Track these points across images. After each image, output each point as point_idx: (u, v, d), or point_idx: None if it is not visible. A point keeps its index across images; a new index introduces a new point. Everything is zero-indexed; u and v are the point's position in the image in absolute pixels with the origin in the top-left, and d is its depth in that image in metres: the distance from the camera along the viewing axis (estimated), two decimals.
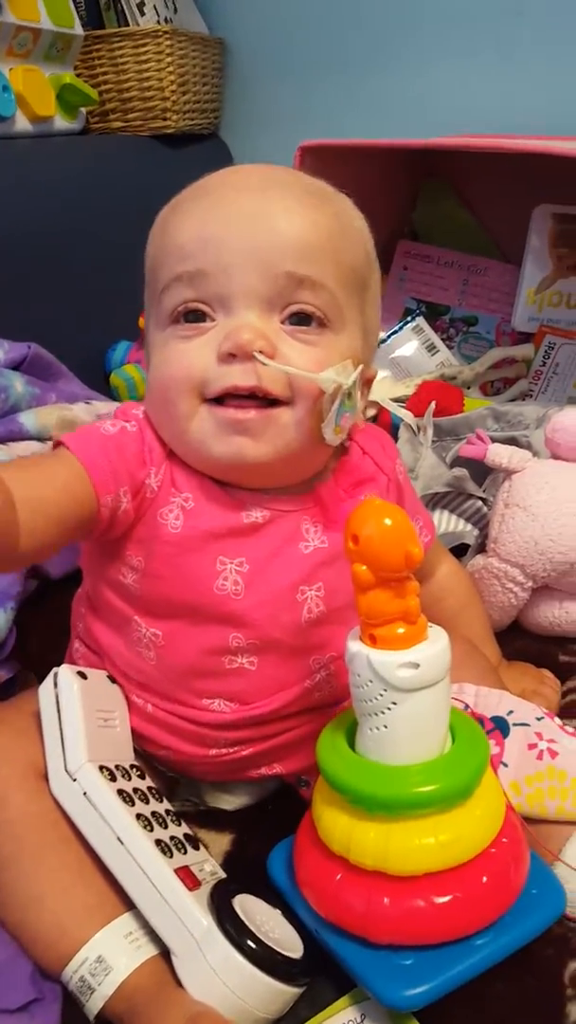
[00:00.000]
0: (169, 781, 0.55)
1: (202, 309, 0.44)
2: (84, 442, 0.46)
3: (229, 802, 0.55)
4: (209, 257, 0.43)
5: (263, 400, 0.44)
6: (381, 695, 0.39)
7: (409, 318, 1.04)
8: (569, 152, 0.79)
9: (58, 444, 0.47)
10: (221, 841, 0.53)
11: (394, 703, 0.39)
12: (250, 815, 0.55)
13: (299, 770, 0.53)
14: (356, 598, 0.40)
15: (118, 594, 0.50)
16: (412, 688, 0.39)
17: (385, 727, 0.40)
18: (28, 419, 0.73)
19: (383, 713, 0.40)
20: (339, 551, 0.48)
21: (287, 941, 0.42)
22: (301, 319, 0.44)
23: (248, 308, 0.43)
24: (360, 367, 0.46)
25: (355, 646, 0.41)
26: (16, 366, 0.77)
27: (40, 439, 0.74)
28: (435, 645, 0.40)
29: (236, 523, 0.47)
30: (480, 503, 0.75)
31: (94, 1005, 0.41)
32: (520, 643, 0.68)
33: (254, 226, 0.43)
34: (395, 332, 1.03)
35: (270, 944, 0.40)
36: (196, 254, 0.44)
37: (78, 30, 1.05)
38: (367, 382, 0.51)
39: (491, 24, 1.10)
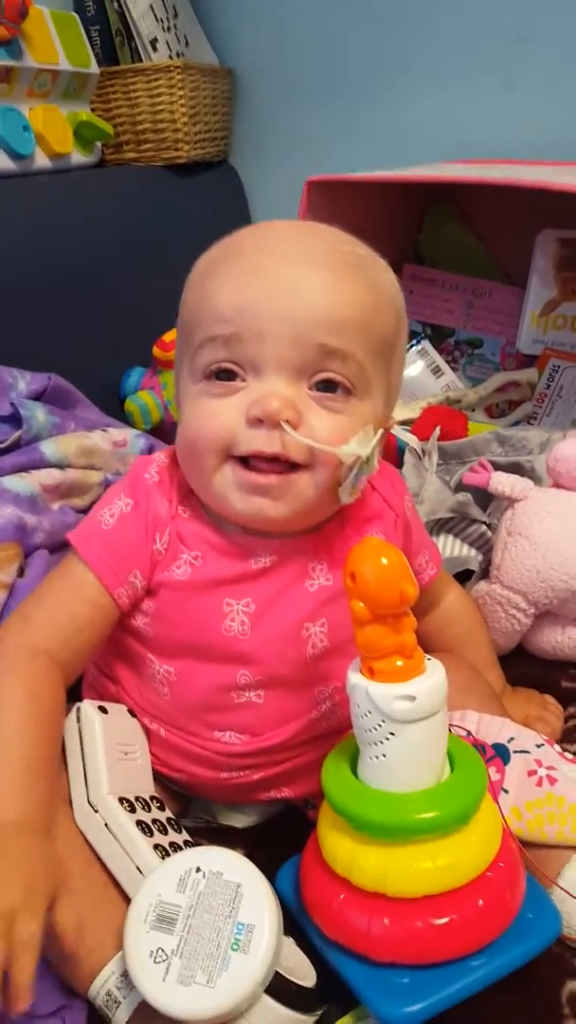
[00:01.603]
0: (182, 799, 0.57)
1: (234, 369, 0.46)
2: (88, 543, 0.50)
3: (240, 820, 0.57)
4: (244, 323, 0.45)
5: (285, 464, 0.45)
6: (379, 725, 0.42)
7: (415, 341, 1.06)
8: (570, 187, 0.81)
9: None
10: None
11: (392, 733, 0.42)
12: (260, 832, 0.57)
13: (306, 794, 0.55)
14: (355, 632, 0.42)
15: (131, 635, 0.52)
16: (409, 720, 0.41)
17: (384, 756, 0.42)
18: (49, 448, 0.76)
19: (382, 743, 0.42)
20: (343, 588, 0.50)
21: (300, 969, 0.44)
22: (328, 386, 0.46)
23: (278, 374, 0.45)
24: (381, 431, 0.48)
25: (355, 677, 0.43)
26: (37, 396, 0.80)
27: (60, 467, 0.76)
28: (431, 679, 0.42)
29: (245, 569, 0.49)
30: (484, 528, 0.77)
31: (120, 1017, 0.43)
32: (523, 667, 0.70)
33: (290, 299, 0.44)
34: None
35: (286, 975, 0.42)
36: (232, 319, 0.45)
37: (94, 68, 1.09)
38: (387, 431, 0.52)
39: (493, 50, 1.11)
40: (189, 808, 0.58)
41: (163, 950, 0.40)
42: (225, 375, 0.46)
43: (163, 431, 1.02)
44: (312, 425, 0.45)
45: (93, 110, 1.13)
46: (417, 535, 0.58)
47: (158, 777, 0.54)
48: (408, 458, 0.83)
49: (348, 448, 0.45)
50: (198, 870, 0.42)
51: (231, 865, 0.43)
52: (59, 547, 0.72)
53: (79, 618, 0.49)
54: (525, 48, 1.10)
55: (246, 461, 0.46)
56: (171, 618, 0.50)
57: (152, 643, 0.51)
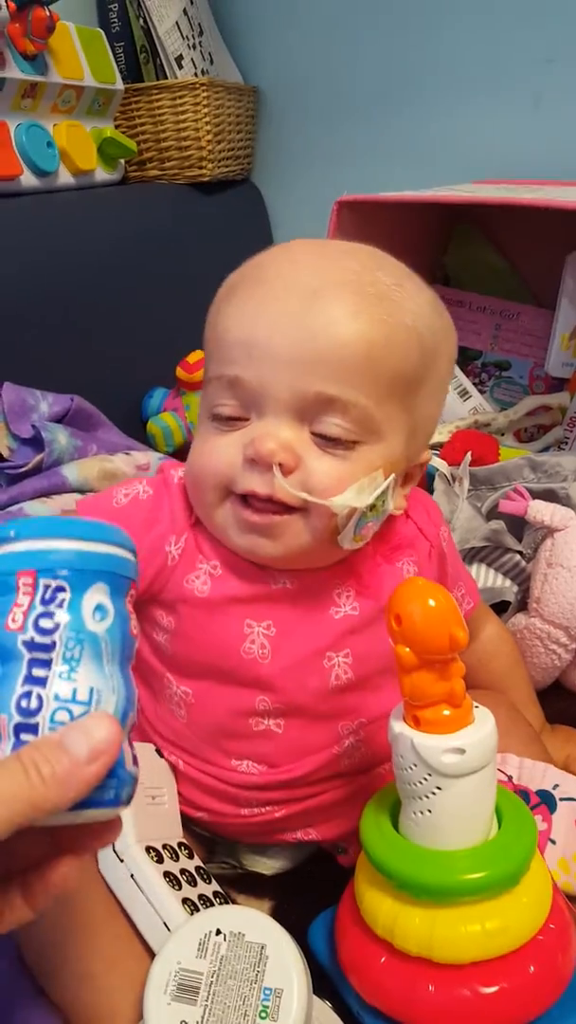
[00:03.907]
0: (207, 843, 0.55)
1: (237, 415, 0.45)
2: (92, 514, 0.49)
3: (267, 866, 0.55)
4: (248, 365, 0.44)
5: (279, 505, 0.44)
6: (425, 779, 0.39)
7: None
8: None
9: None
10: (260, 908, 0.52)
11: (439, 788, 0.39)
12: (288, 880, 0.55)
13: (335, 837, 0.52)
14: (399, 679, 0.40)
15: (151, 651, 0.51)
16: (457, 774, 0.39)
17: (430, 811, 0.40)
18: (70, 472, 0.74)
19: (427, 797, 0.39)
20: (371, 618, 0.49)
21: None
22: (330, 437, 0.44)
23: (278, 416, 0.44)
24: (392, 477, 0.45)
25: (398, 727, 0.40)
26: (60, 418, 0.79)
27: (81, 491, 0.75)
28: (481, 730, 0.39)
29: (265, 589, 0.48)
30: (518, 557, 0.74)
31: None
32: (561, 704, 0.67)
33: (293, 339, 0.43)
34: None
35: None
36: (237, 360, 0.44)
37: (118, 85, 1.08)
38: (421, 466, 0.50)
39: (523, 70, 1.10)
40: (215, 852, 0.56)
41: (187, 1023, 0.37)
42: (230, 418, 0.45)
43: (186, 454, 1.00)
44: (312, 470, 0.43)
45: (117, 127, 1.12)
46: (453, 567, 0.56)
47: (183, 820, 0.52)
48: (438, 484, 0.81)
49: (341, 499, 0.43)
50: (218, 932, 0.40)
51: (253, 924, 0.40)
52: None
53: None
54: (553, 68, 1.08)
55: (245, 498, 0.45)
56: (191, 636, 0.48)
57: (171, 661, 0.50)
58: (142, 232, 1.08)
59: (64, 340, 0.92)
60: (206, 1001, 0.38)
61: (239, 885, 0.54)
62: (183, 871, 0.46)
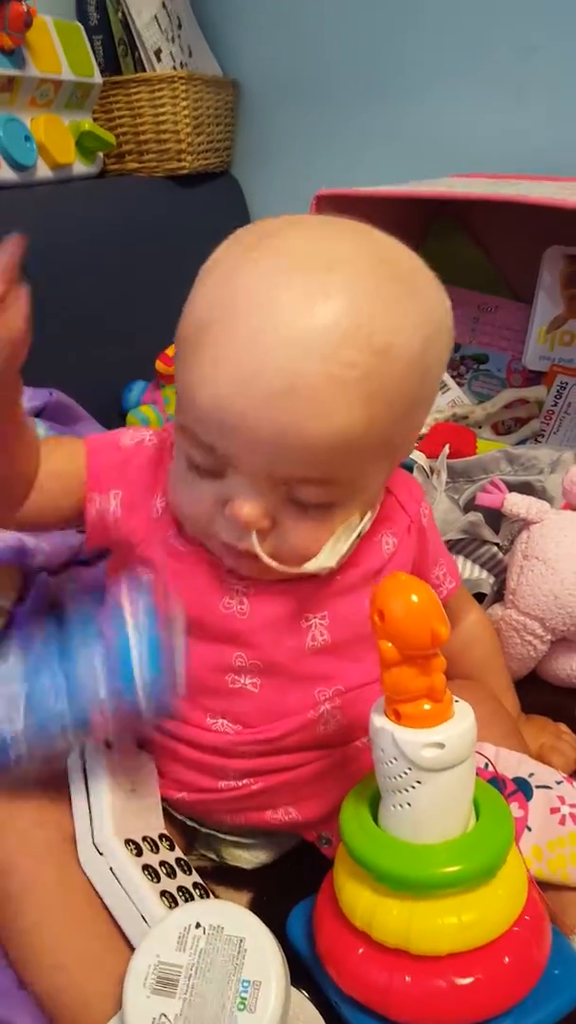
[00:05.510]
0: (188, 832, 0.55)
1: (212, 469, 0.44)
2: (99, 444, 0.51)
3: (247, 860, 0.55)
4: (223, 439, 0.41)
5: None
6: (405, 773, 0.40)
7: None
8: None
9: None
10: (239, 900, 0.53)
11: (418, 782, 0.39)
12: (268, 875, 0.55)
13: (316, 818, 0.52)
14: (381, 673, 0.40)
15: None
16: (437, 768, 0.39)
17: (409, 805, 0.40)
18: None
19: (407, 791, 0.40)
20: (351, 584, 0.49)
21: None
22: (306, 504, 0.44)
23: (254, 481, 0.42)
24: (368, 515, 0.47)
25: (379, 721, 0.41)
26: (38, 413, 0.78)
27: None
28: (461, 724, 0.40)
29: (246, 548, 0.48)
30: (496, 549, 0.75)
31: None
32: (536, 695, 0.68)
33: (268, 417, 0.39)
34: None
35: None
36: (210, 429, 0.41)
37: (97, 78, 1.07)
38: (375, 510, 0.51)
39: (504, 61, 1.10)
40: (194, 845, 0.56)
41: (166, 1016, 0.38)
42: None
43: None
44: (287, 529, 0.44)
45: (95, 120, 1.12)
46: (433, 545, 0.56)
47: (165, 811, 0.52)
48: (416, 476, 0.81)
49: (314, 564, 0.45)
50: (198, 926, 0.40)
51: (233, 919, 0.40)
52: (59, 569, 0.70)
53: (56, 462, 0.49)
54: (537, 57, 1.08)
55: None
56: (173, 589, 0.48)
57: None
58: (121, 225, 1.07)
59: (42, 334, 0.90)
60: (185, 994, 0.38)
61: (219, 878, 0.55)
62: (162, 863, 0.46)
